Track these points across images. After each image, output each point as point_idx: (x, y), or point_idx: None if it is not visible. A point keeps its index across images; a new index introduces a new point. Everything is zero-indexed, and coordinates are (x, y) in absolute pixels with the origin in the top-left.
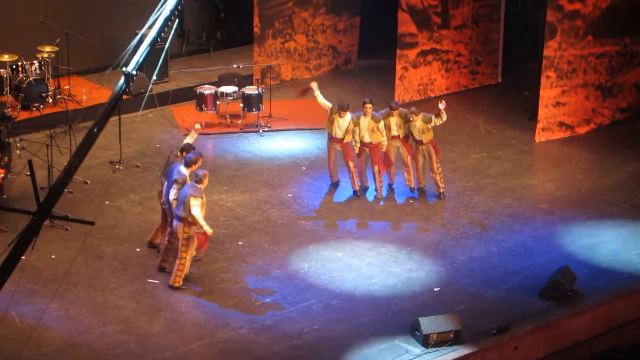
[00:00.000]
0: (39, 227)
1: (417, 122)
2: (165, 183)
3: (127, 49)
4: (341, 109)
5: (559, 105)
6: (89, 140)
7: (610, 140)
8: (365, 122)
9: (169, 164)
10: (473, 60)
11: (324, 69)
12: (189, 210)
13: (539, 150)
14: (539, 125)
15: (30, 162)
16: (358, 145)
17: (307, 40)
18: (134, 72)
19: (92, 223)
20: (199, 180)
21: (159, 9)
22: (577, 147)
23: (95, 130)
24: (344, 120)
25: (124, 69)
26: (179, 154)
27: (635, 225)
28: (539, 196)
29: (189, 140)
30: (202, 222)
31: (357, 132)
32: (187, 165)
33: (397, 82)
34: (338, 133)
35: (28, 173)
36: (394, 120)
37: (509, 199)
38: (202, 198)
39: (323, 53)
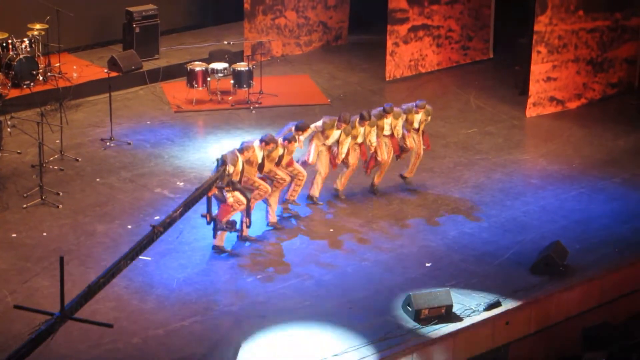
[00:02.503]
0: (58, 327)
1: (420, 114)
2: None
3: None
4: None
5: (549, 80)
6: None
7: (601, 115)
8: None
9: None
10: (464, 35)
11: (314, 45)
12: None
13: (530, 125)
14: (530, 100)
15: (61, 259)
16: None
17: (298, 17)
18: (162, 229)
19: (110, 325)
20: (241, 150)
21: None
22: (568, 122)
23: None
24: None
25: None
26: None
27: (627, 200)
28: (530, 171)
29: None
30: None
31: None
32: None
33: (388, 57)
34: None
35: (19, 151)
36: (387, 122)
37: (500, 174)
38: (234, 166)
39: (313, 29)
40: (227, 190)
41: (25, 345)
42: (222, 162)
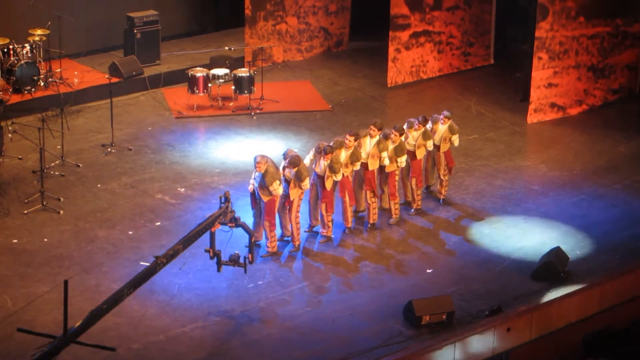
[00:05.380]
0: (60, 350)
1: (445, 126)
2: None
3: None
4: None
5: (550, 86)
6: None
7: (602, 122)
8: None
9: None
10: (465, 41)
11: (315, 51)
12: None
13: (531, 131)
14: (531, 107)
15: (65, 283)
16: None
17: (299, 22)
18: (166, 259)
19: (113, 349)
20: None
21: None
22: (569, 129)
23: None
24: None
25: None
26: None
27: (628, 207)
28: (531, 177)
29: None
30: None
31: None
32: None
33: (390, 64)
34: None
35: (20, 157)
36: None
37: (501, 181)
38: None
39: (314, 35)
40: (230, 227)
41: None
42: (226, 199)
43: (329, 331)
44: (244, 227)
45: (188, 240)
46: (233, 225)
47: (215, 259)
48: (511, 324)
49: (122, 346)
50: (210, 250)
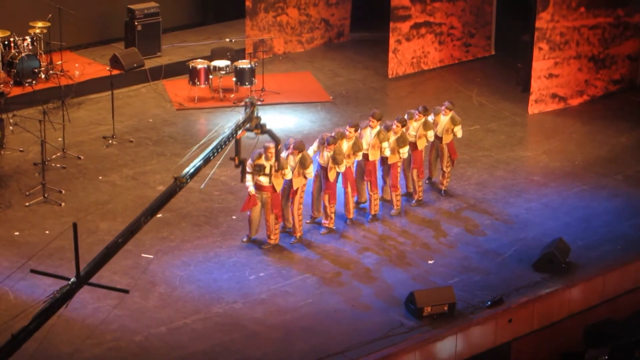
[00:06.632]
0: (74, 293)
1: (447, 117)
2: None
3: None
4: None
5: (551, 77)
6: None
7: (603, 112)
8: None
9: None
10: (466, 32)
11: (316, 42)
12: None
13: (532, 122)
14: (532, 97)
15: (75, 225)
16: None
17: (300, 14)
18: (186, 179)
19: (126, 291)
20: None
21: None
22: (571, 119)
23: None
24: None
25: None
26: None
27: (629, 197)
28: (533, 168)
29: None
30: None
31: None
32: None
33: (391, 55)
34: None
35: (21, 149)
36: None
37: (502, 171)
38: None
39: (315, 26)
40: (256, 133)
41: (40, 314)
42: (251, 104)
43: (331, 323)
44: (270, 133)
45: (212, 153)
46: (259, 131)
47: (240, 168)
48: (513, 315)
49: (123, 338)
50: (236, 158)
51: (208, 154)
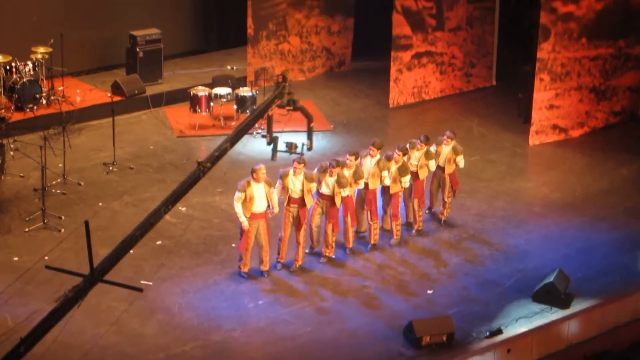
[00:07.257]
0: (87, 291)
1: (448, 147)
2: None
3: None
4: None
5: (552, 108)
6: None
7: (604, 144)
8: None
9: None
10: (467, 62)
11: (317, 70)
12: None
13: (533, 153)
14: (533, 128)
15: (86, 223)
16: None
17: (301, 42)
18: (209, 165)
19: (141, 290)
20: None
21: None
22: (571, 150)
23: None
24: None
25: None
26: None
27: (629, 229)
28: (533, 199)
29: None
30: (238, 214)
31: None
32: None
33: (392, 84)
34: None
35: (22, 175)
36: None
37: (502, 202)
38: (244, 192)
39: (317, 55)
40: (288, 110)
41: (53, 312)
42: (284, 79)
43: (330, 351)
44: (302, 110)
45: (238, 134)
46: (291, 108)
47: (272, 146)
48: (511, 346)
49: None
50: (268, 136)
51: (235, 136)
